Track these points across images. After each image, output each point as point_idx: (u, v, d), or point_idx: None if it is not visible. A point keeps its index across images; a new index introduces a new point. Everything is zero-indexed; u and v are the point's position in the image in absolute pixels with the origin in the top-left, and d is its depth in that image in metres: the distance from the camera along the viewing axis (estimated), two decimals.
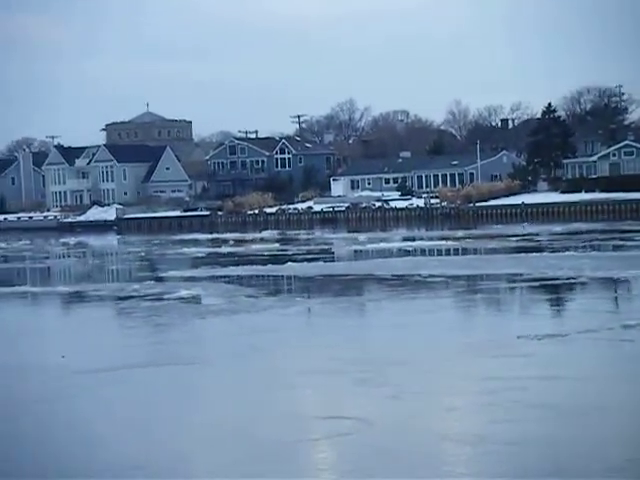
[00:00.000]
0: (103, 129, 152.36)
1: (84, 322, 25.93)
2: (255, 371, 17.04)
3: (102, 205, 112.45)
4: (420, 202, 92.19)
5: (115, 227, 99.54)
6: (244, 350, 19.23)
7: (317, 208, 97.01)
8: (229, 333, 22.05)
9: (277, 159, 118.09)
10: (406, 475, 10.49)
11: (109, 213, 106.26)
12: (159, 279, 36.08)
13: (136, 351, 19.69)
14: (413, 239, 56.70)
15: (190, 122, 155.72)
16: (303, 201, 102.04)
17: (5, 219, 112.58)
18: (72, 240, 76.55)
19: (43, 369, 17.53)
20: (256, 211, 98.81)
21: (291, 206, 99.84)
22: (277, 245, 55.79)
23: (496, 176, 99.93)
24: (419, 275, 31.90)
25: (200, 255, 50.22)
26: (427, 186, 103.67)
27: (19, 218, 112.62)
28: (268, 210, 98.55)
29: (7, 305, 31.18)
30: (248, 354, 18.82)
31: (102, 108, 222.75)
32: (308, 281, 33.75)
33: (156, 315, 24.86)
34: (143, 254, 54.81)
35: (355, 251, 49.17)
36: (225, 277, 35.60)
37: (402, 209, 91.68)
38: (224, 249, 54.22)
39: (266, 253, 48.19)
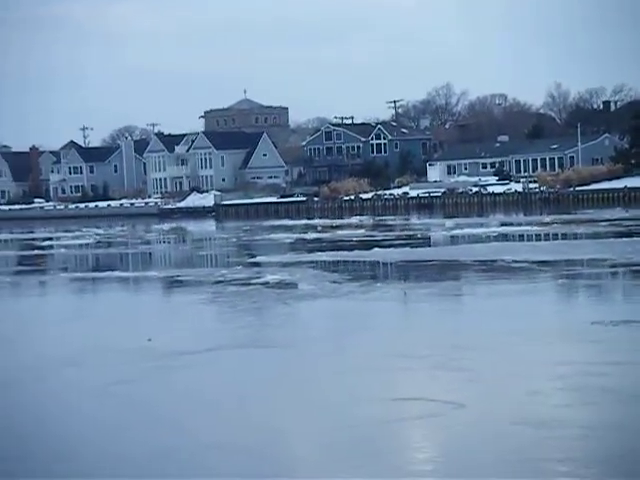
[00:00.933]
0: (202, 116, 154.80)
1: (171, 306, 26.57)
2: (336, 354, 17.29)
3: (201, 191, 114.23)
4: (518, 187, 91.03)
5: (213, 213, 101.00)
6: (324, 334, 19.67)
7: (413, 194, 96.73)
8: (310, 317, 22.43)
9: (373, 144, 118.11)
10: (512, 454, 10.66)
11: (207, 199, 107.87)
12: (247, 264, 36.68)
13: (220, 334, 20.13)
14: (508, 224, 56.12)
15: (287, 108, 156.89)
16: (399, 187, 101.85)
17: (108, 205, 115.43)
18: (165, 226, 78.09)
19: (128, 351, 18.00)
20: (352, 197, 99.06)
21: (387, 192, 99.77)
22: (366, 231, 55.94)
23: (597, 160, 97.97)
24: (503, 260, 31.75)
25: (289, 241, 50.73)
26: (525, 170, 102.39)
27: (121, 205, 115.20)
28: (364, 196, 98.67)
29: (100, 290, 32.19)
30: (329, 338, 19.18)
31: (201, 96, 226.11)
32: (391, 267, 33.91)
33: (241, 300, 25.33)
34: (234, 240, 55.63)
35: (444, 237, 49.00)
36: (311, 263, 35.98)
37: (499, 194, 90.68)
38: (313, 235, 54.60)
39: (355, 239, 48.39)
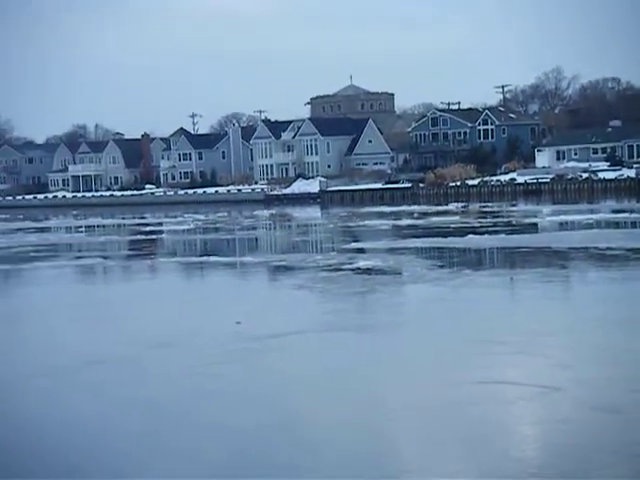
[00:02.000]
0: (308, 103, 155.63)
1: (262, 291, 26.98)
2: (423, 339, 17.53)
3: (306, 178, 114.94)
4: (631, 173, 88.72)
5: (318, 199, 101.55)
6: (411, 318, 20.06)
7: (520, 180, 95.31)
8: (397, 302, 22.57)
9: (480, 130, 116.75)
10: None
11: (313, 186, 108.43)
12: (343, 250, 36.93)
13: (309, 318, 20.51)
14: (618, 211, 54.81)
15: (392, 94, 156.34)
16: (506, 172, 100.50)
17: (216, 191, 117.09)
18: (268, 212, 78.77)
19: (217, 334, 18.44)
20: (458, 183, 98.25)
21: (494, 178, 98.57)
22: (466, 218, 55.53)
23: None
24: (596, 248, 31.22)
25: (386, 227, 50.61)
26: (639, 156, 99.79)
27: (229, 191, 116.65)
28: (470, 182, 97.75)
29: (195, 274, 32.87)
30: (416, 322, 19.49)
31: (307, 82, 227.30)
32: (482, 254, 33.68)
33: (331, 285, 25.65)
34: (332, 226, 55.94)
35: (544, 224, 48.24)
36: (405, 249, 36.00)
37: (611, 180, 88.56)
38: (409, 221, 54.47)
39: (452, 225, 48.10)
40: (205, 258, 36.57)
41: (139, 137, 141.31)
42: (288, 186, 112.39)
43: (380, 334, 18.15)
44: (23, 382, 15.34)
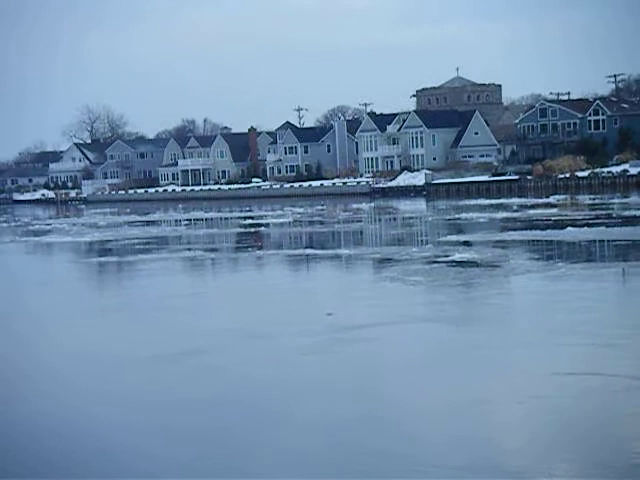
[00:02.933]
0: (413, 95, 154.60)
1: (354, 283, 27.00)
2: (511, 329, 17.72)
3: (411, 170, 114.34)
4: None
5: (424, 192, 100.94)
6: (502, 310, 19.99)
7: (633, 171, 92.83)
8: (487, 295, 22.29)
9: (590, 121, 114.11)
10: None
11: (418, 178, 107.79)
12: (439, 243, 36.67)
13: (400, 309, 20.44)
14: None
15: (500, 86, 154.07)
16: (618, 164, 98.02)
17: (321, 185, 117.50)
18: (371, 205, 78.51)
19: (310, 324, 18.71)
20: (567, 175, 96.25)
21: (604, 169, 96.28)
22: (572, 210, 54.40)
23: None
24: None
25: (484, 220, 49.89)
26: None
27: (334, 184, 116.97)
28: (580, 174, 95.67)
29: (289, 267, 32.94)
30: (507, 314, 19.56)
31: (413, 74, 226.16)
32: (578, 246, 32.89)
33: (424, 277, 25.49)
34: (431, 219, 55.63)
35: None
36: (501, 242, 35.52)
37: None
38: (510, 214, 53.61)
39: (553, 218, 47.15)
40: (301, 251, 36.71)
41: (246, 131, 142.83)
42: (393, 179, 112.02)
43: (474, 326, 18.21)
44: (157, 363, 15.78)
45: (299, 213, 69.42)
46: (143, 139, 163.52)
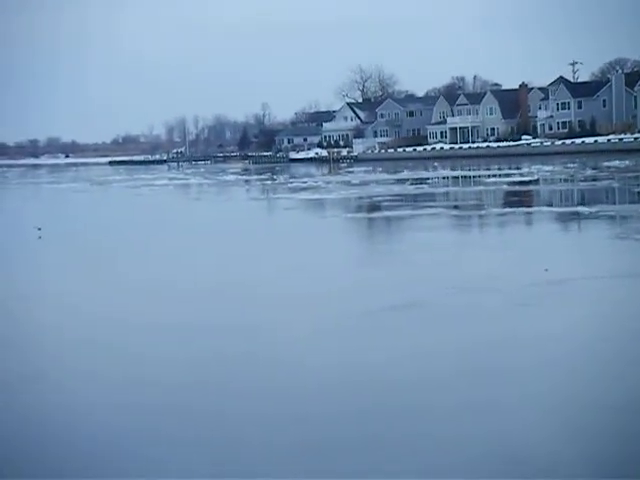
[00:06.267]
0: None
1: (582, 240, 25.07)
2: None
3: None
4: None
5: None
6: None
7: None
8: None
9: None
10: None
11: None
12: None
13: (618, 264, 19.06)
14: None
15: None
16: None
17: (595, 141, 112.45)
18: (620, 164, 73.16)
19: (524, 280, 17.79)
20: None
21: None
22: None
23: None
24: None
25: None
26: None
27: (609, 140, 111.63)
28: None
29: (512, 222, 30.96)
30: None
31: None
32: None
33: None
34: None
35: None
36: None
37: None
38: None
39: None
40: (535, 208, 34.54)
41: (516, 87, 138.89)
42: None
43: None
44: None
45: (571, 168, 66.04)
46: (412, 97, 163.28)
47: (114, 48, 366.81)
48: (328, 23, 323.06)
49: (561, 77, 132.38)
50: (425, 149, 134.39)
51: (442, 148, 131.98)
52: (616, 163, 72.65)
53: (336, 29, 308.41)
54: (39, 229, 32.55)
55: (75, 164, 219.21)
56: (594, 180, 52.72)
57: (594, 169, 66.78)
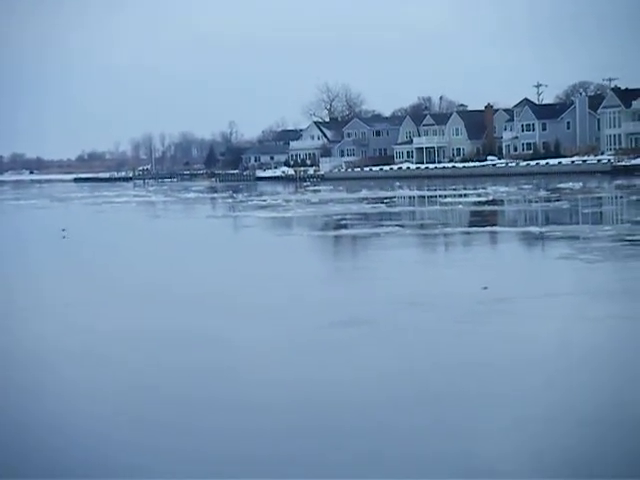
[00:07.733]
0: None
1: (525, 259, 25.40)
2: None
3: None
4: None
5: None
6: None
7: None
8: None
9: None
10: None
11: None
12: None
13: (559, 284, 19.44)
14: None
15: None
16: None
17: (559, 162, 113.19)
18: (574, 185, 73.55)
19: (460, 297, 18.14)
20: None
21: None
22: None
23: None
24: None
25: None
26: None
27: (572, 162, 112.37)
28: None
29: (463, 243, 31.02)
30: None
31: None
32: None
33: (602, 256, 24.07)
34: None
35: None
36: None
37: None
38: None
39: None
40: (482, 228, 34.64)
41: (482, 108, 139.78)
42: (638, 157, 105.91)
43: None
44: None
45: (501, 192, 66.52)
46: (379, 117, 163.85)
47: (78, 63, 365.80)
48: (296, 42, 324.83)
49: (526, 99, 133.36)
50: (392, 168, 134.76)
51: (408, 168, 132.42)
52: (570, 185, 73.08)
53: (304, 48, 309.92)
54: None
55: (39, 181, 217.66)
56: (547, 201, 53.04)
57: (547, 190, 67.18)
